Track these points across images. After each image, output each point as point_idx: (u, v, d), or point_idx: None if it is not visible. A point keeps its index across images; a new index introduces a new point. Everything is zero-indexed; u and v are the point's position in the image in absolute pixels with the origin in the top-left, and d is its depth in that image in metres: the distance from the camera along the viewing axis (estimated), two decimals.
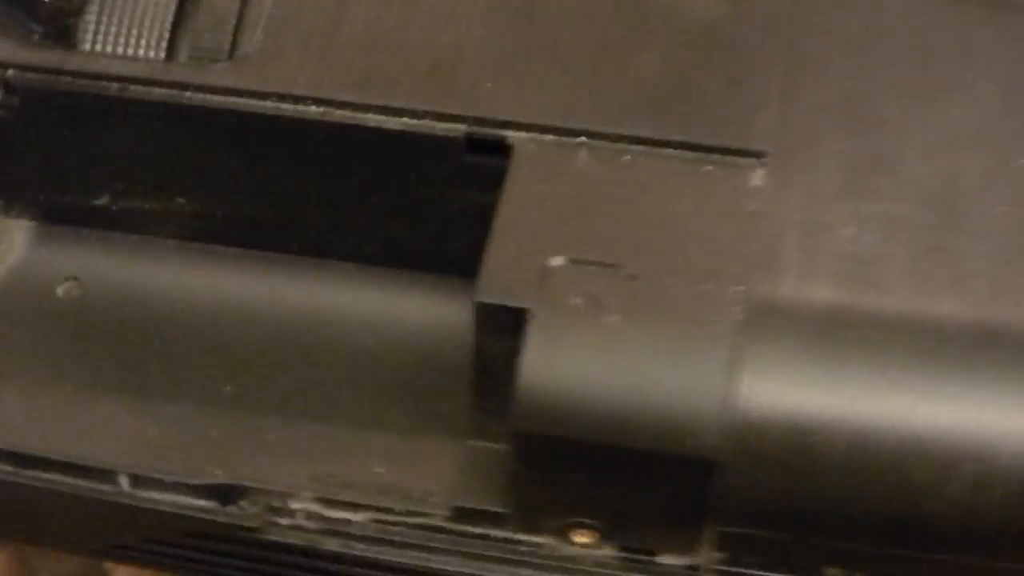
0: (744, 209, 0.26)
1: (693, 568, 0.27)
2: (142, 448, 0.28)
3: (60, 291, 0.31)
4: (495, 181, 0.27)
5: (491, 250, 0.25)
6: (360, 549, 0.27)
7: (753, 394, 0.23)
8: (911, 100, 0.28)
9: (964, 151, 0.27)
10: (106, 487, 0.28)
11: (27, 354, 0.31)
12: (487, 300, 0.24)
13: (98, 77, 0.29)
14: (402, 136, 0.28)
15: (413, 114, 0.28)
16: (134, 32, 0.30)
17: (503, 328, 0.25)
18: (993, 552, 0.24)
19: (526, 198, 0.26)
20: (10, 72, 0.29)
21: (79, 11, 0.31)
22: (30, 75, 0.29)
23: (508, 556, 0.28)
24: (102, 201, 0.31)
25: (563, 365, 0.24)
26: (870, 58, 0.29)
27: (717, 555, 0.26)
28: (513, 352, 0.24)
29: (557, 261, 0.25)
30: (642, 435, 0.23)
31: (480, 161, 0.27)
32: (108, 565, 0.39)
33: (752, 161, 0.26)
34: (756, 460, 0.24)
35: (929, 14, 0.30)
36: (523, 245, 0.25)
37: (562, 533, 0.27)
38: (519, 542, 0.27)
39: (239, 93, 0.28)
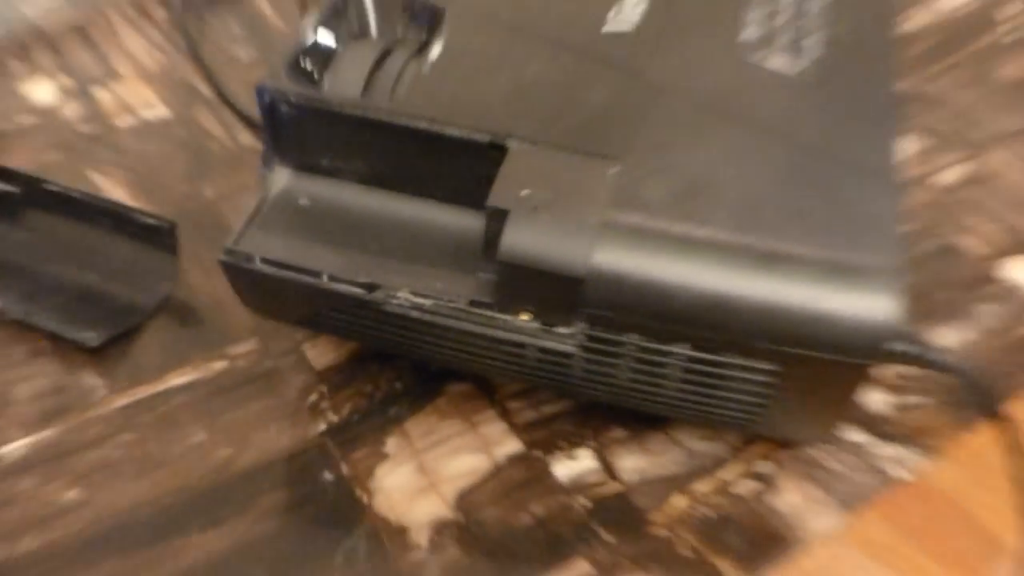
0: (607, 181, 0.38)
1: (572, 334, 0.39)
2: (335, 264, 0.40)
3: (301, 202, 0.43)
4: (499, 162, 0.38)
5: (495, 187, 0.37)
6: (428, 316, 0.40)
7: (603, 248, 0.35)
8: (706, 140, 0.39)
9: (727, 167, 0.38)
10: (315, 280, 0.40)
11: (283, 228, 0.42)
12: (493, 205, 0.37)
13: (328, 101, 0.41)
14: (461, 139, 0.39)
15: (467, 128, 0.39)
16: (348, 79, 0.42)
17: (498, 219, 0.37)
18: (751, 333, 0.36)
19: (513, 169, 0.38)
20: (287, 95, 0.41)
21: (324, 67, 0.43)
22: (295, 96, 0.41)
23: (491, 324, 0.40)
24: (323, 161, 0.43)
25: (522, 234, 0.36)
26: (682, 118, 0.40)
27: (584, 326, 0.38)
28: (501, 230, 0.36)
29: (524, 192, 0.37)
30: (551, 264, 0.36)
31: (494, 154, 0.39)
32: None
33: (615, 160, 0.38)
34: (603, 277, 0.36)
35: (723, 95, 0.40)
36: (509, 185, 0.37)
37: (516, 314, 0.39)
38: (497, 318, 0.39)
39: (395, 114, 0.40)
